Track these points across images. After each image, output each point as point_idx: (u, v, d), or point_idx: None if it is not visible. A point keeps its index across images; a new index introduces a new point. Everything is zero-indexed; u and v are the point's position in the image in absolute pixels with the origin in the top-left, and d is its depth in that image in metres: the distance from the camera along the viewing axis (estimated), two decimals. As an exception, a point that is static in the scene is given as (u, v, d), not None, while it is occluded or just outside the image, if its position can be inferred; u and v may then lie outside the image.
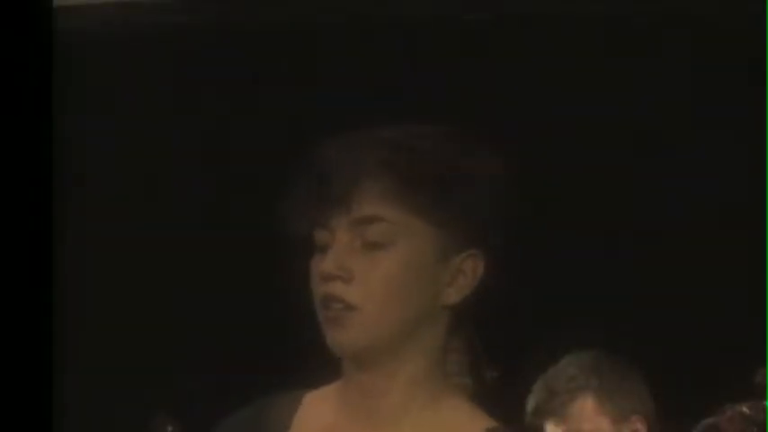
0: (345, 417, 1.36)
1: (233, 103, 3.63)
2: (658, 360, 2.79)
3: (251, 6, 3.64)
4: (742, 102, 3.39)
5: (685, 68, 3.57)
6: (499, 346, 2.89)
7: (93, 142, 3.57)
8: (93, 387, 3.46)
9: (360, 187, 1.30)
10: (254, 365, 3.29)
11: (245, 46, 3.65)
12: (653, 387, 2.64)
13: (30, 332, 1.34)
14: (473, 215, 1.33)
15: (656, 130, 3.57)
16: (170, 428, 3.10)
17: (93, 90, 3.54)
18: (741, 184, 3.51)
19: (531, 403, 2.59)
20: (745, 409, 2.51)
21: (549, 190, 3.50)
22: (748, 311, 3.24)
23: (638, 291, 3.41)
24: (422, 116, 1.41)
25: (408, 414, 1.34)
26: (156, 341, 3.52)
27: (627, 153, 3.62)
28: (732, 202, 3.49)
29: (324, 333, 1.33)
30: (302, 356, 1.56)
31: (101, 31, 3.61)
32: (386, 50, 3.56)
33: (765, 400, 2.51)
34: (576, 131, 3.57)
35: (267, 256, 2.78)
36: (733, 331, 3.20)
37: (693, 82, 3.54)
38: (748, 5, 3.28)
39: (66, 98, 2.50)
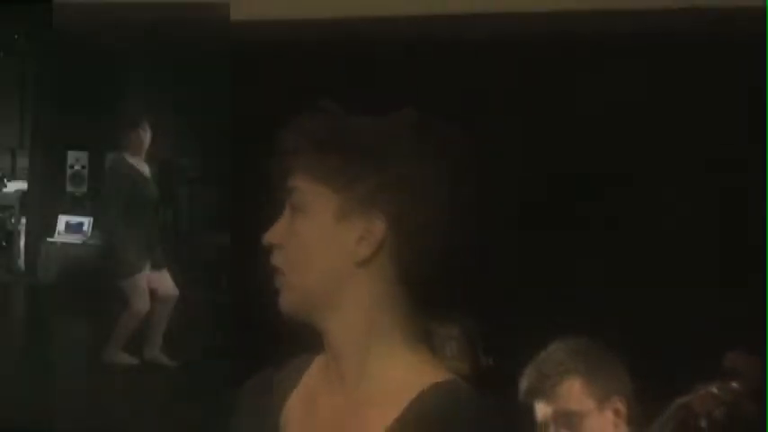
0: (324, 378, 1.43)
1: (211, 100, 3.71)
2: (636, 346, 2.69)
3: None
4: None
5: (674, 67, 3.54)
6: (494, 335, 3.03)
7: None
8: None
9: (289, 163, 1.39)
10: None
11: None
12: (632, 370, 2.66)
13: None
14: (368, 180, 1.36)
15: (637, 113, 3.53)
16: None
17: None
18: (738, 179, 3.49)
19: (523, 385, 2.63)
20: (714, 390, 2.57)
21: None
22: (716, 304, 3.23)
23: (618, 286, 3.39)
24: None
25: (366, 374, 1.38)
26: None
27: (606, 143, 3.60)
28: (707, 199, 3.49)
29: None
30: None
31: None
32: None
33: (732, 381, 2.57)
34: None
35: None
36: (703, 321, 3.19)
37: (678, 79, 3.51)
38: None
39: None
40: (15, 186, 10.62)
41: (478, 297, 2.82)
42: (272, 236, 1.40)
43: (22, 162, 10.61)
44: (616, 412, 2.61)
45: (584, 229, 3.49)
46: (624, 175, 3.54)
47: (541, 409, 2.62)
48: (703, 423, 2.54)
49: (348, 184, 1.37)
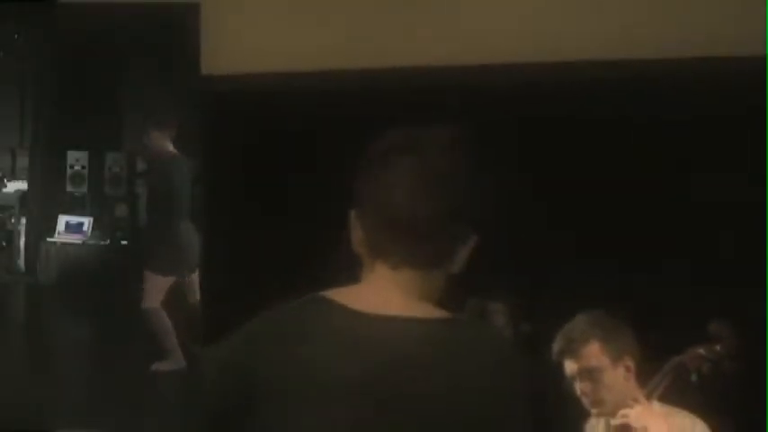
0: None
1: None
2: (641, 317, 3.00)
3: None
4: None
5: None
6: (532, 309, 3.37)
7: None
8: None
9: None
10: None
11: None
12: (638, 335, 2.99)
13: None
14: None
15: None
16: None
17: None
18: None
19: (555, 347, 3.03)
20: (702, 351, 2.95)
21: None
22: (706, 279, 3.47)
23: (628, 270, 3.60)
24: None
25: None
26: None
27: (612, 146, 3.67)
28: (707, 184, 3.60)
29: None
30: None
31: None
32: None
33: (716, 344, 2.94)
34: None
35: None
36: (694, 295, 3.42)
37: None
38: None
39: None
40: (15, 186, 10.76)
41: (519, 281, 3.36)
42: None
43: (22, 162, 10.76)
44: (626, 368, 3.00)
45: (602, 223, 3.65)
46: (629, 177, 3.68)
47: (569, 366, 3.03)
48: (694, 377, 2.91)
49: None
